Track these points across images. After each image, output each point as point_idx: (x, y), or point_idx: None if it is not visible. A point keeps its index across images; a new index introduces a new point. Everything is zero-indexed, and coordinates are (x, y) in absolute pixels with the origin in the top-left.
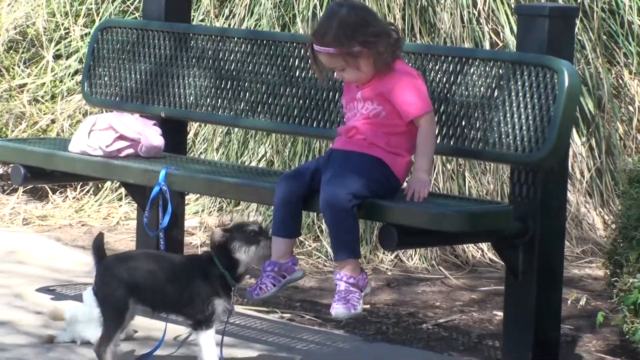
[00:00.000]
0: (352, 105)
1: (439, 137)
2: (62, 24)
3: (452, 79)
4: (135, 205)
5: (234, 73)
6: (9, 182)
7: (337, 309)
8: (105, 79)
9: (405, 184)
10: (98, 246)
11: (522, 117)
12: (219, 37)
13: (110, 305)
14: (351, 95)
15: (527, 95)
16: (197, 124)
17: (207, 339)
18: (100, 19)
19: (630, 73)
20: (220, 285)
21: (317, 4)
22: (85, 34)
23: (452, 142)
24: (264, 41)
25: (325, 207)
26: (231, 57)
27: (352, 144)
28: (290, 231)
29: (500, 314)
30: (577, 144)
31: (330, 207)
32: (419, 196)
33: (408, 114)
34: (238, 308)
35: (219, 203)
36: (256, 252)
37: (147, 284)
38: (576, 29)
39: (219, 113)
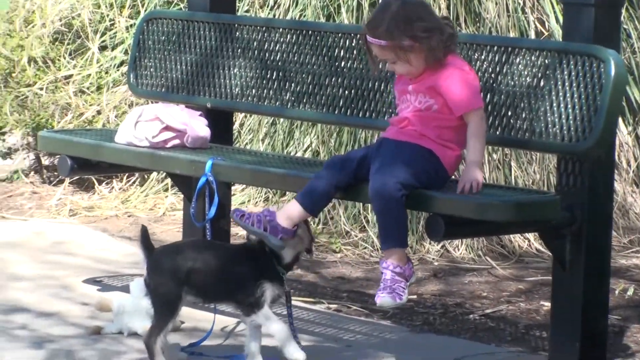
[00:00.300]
0: (404, 98)
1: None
2: (107, 15)
3: (497, 68)
4: (182, 196)
5: (279, 63)
6: (55, 173)
7: (383, 298)
8: (151, 70)
9: (453, 177)
10: (145, 238)
11: (569, 106)
12: (264, 28)
13: (163, 297)
14: (403, 87)
15: (574, 85)
16: (243, 114)
17: (266, 315)
18: (145, 10)
19: None
20: (270, 271)
21: None
22: (131, 25)
23: (498, 132)
24: (309, 31)
25: (374, 196)
26: (276, 48)
27: (403, 134)
28: (309, 206)
29: (547, 304)
30: (624, 133)
31: (379, 196)
32: (471, 193)
33: (458, 109)
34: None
35: (265, 194)
36: (293, 242)
37: (199, 273)
38: (622, 17)
39: (265, 103)
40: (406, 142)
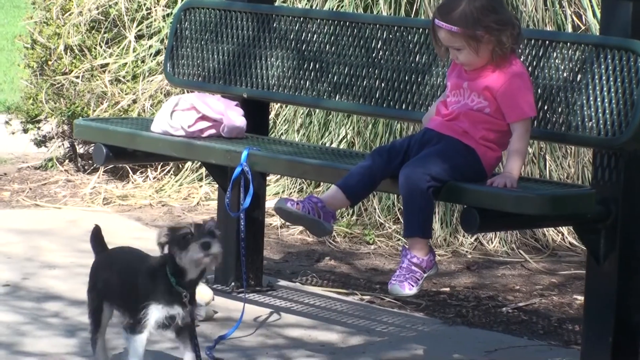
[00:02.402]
0: (457, 92)
1: None
2: (144, 4)
3: (534, 62)
4: (216, 185)
5: (316, 54)
6: (90, 161)
7: (393, 285)
8: (188, 59)
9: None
10: (96, 238)
11: (605, 100)
12: (301, 18)
13: (89, 304)
14: (458, 82)
15: (611, 79)
16: (278, 105)
17: (133, 344)
18: (182, 0)
19: None
20: (165, 290)
21: None
22: (167, 15)
23: (534, 125)
24: (347, 22)
25: (401, 183)
26: (314, 39)
27: (448, 128)
28: (351, 194)
29: (580, 298)
30: None
31: (405, 185)
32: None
33: (510, 116)
34: (317, 289)
35: (300, 184)
36: (188, 257)
37: (110, 285)
38: None
39: (301, 94)
40: (448, 137)
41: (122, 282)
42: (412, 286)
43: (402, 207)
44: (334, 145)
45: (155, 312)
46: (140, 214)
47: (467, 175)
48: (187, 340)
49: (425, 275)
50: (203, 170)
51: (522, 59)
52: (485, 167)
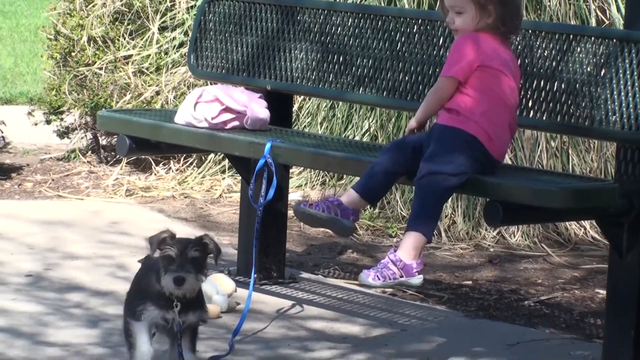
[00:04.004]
0: None
1: (545, 114)
2: None
3: (559, 56)
4: (239, 177)
5: (340, 47)
6: (113, 153)
7: (363, 273)
8: (212, 51)
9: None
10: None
11: (630, 95)
12: (326, 11)
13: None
14: None
15: (635, 73)
16: (301, 97)
17: (136, 330)
18: None
19: None
20: (161, 294)
21: None
22: (191, 7)
23: (558, 119)
24: (371, 16)
25: (421, 181)
26: (338, 31)
27: (451, 119)
28: (368, 196)
29: (602, 292)
30: None
31: (428, 182)
32: None
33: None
34: (339, 282)
35: (322, 177)
36: (163, 282)
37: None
38: None
39: (325, 87)
40: (452, 128)
41: (134, 281)
42: (377, 279)
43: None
44: (357, 138)
45: (148, 311)
46: (163, 206)
47: (481, 162)
48: (187, 343)
49: (400, 280)
50: (226, 162)
51: (546, 53)
52: (493, 153)
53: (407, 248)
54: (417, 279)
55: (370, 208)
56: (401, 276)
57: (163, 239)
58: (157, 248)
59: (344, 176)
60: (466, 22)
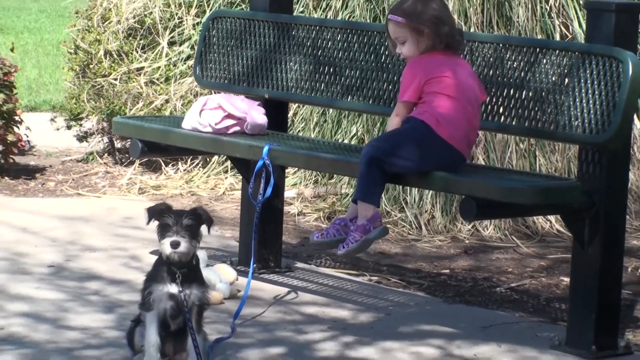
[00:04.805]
0: None
1: (514, 119)
2: (176, 14)
3: (527, 67)
4: (240, 177)
5: (330, 59)
6: (127, 155)
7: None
8: (215, 63)
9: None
10: None
11: (590, 102)
12: (317, 27)
13: None
14: None
15: (595, 83)
16: (297, 104)
17: (147, 321)
18: (210, 10)
19: None
20: (163, 271)
21: None
22: (197, 23)
23: (526, 124)
24: (358, 31)
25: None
26: (328, 45)
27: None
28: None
29: (566, 279)
30: (637, 126)
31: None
32: None
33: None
34: (330, 271)
35: (315, 176)
36: (161, 247)
37: None
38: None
39: (317, 95)
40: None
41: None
42: (318, 236)
43: (412, 198)
44: (346, 141)
45: (156, 291)
46: (172, 203)
47: (418, 141)
48: (194, 324)
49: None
50: (228, 163)
51: (515, 64)
52: (442, 136)
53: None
54: (374, 233)
55: None
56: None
57: (160, 210)
58: (154, 218)
59: (335, 175)
60: (410, 49)
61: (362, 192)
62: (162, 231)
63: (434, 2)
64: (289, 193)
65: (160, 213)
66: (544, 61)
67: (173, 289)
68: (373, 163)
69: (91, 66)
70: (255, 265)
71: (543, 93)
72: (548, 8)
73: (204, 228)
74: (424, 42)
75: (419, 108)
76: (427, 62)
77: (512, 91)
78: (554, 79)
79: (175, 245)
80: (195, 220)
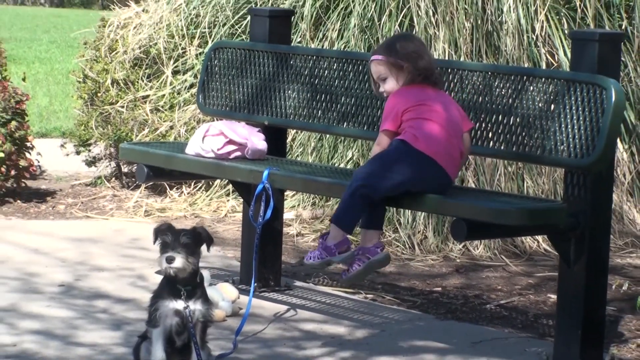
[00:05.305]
0: None
1: (503, 144)
2: (180, 45)
3: (514, 94)
4: (241, 200)
5: (327, 88)
6: (133, 179)
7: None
8: (217, 92)
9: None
10: None
11: (575, 127)
12: (314, 57)
13: None
14: None
15: (580, 109)
16: (295, 130)
17: (153, 337)
18: (212, 41)
19: None
20: (169, 288)
21: (398, 28)
22: (199, 53)
23: (514, 149)
24: (353, 60)
25: None
26: (325, 74)
27: None
28: (375, 226)
29: (553, 296)
30: (620, 149)
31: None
32: None
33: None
34: (327, 289)
35: (313, 198)
36: (158, 263)
37: None
38: None
39: (314, 122)
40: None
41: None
42: (309, 259)
43: (405, 219)
44: (342, 165)
45: (162, 307)
46: (176, 224)
47: (398, 158)
48: (198, 340)
49: (332, 257)
50: (230, 186)
51: (503, 91)
52: (421, 149)
53: (331, 236)
54: (342, 257)
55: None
56: (334, 255)
57: (162, 230)
58: (157, 237)
59: (331, 198)
60: (391, 84)
61: (336, 216)
62: (161, 248)
63: (412, 40)
64: (287, 215)
65: (161, 232)
66: (531, 88)
67: (179, 305)
68: (357, 193)
69: (99, 94)
70: (256, 284)
71: (530, 119)
72: (534, 37)
73: (204, 247)
74: (403, 77)
75: (400, 134)
76: (406, 92)
77: (500, 117)
78: (540, 105)
79: (169, 260)
80: (193, 238)
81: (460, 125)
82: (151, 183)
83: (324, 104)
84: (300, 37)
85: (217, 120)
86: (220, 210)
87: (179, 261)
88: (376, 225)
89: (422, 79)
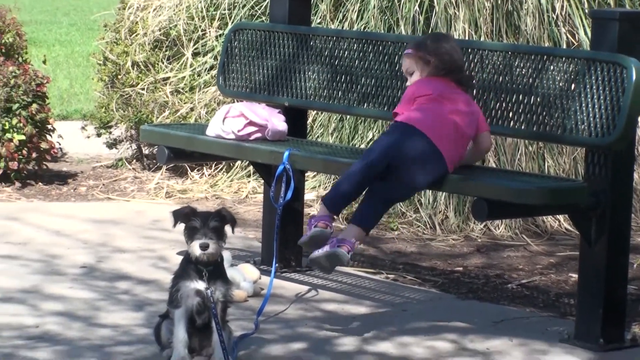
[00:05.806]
0: None
1: (523, 124)
2: (200, 27)
3: (535, 74)
4: (262, 181)
5: (347, 68)
6: (154, 161)
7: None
8: (237, 73)
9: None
10: None
11: (596, 106)
12: (334, 38)
13: None
14: None
15: (600, 88)
16: (315, 111)
17: (175, 318)
18: (232, 22)
19: None
20: (190, 269)
21: (418, 9)
22: (219, 35)
23: (534, 128)
24: (373, 41)
25: None
26: (345, 55)
27: None
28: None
29: (574, 275)
30: None
31: None
32: None
33: None
34: (348, 269)
35: (333, 179)
36: (190, 249)
37: None
38: None
39: (335, 103)
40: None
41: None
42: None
43: (426, 200)
44: (363, 146)
45: (183, 288)
46: (197, 206)
47: (390, 132)
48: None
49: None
50: (251, 167)
51: (523, 71)
52: (414, 124)
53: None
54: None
55: None
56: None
57: (186, 214)
58: (179, 221)
59: None
60: (416, 78)
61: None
62: (190, 233)
63: (446, 39)
64: (308, 196)
65: (186, 216)
66: (551, 68)
67: (200, 285)
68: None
69: (119, 77)
70: (277, 265)
71: (550, 98)
72: (555, 17)
73: (228, 228)
74: (427, 69)
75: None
76: (426, 82)
77: (520, 97)
78: (561, 84)
79: (204, 247)
80: (220, 221)
81: (469, 127)
82: (172, 165)
83: (344, 85)
84: (320, 18)
85: (237, 101)
86: (241, 192)
87: (212, 247)
88: (360, 222)
89: (445, 74)
